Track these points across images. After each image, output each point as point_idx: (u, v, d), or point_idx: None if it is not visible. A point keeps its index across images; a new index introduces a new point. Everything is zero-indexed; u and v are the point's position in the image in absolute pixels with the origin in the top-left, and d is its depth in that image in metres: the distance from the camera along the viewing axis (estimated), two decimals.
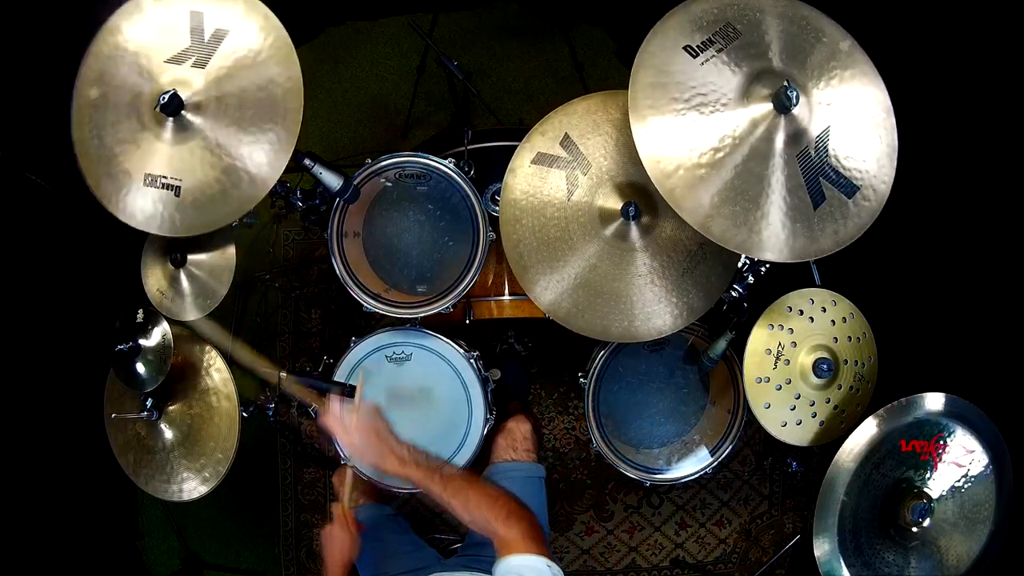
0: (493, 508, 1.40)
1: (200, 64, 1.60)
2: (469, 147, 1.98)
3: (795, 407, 1.80)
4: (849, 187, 1.53)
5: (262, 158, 1.60)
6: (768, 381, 1.78)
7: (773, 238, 1.49)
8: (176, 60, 1.61)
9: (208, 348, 1.92)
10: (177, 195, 1.61)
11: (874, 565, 1.68)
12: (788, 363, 1.79)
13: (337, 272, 1.93)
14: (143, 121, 1.61)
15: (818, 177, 1.51)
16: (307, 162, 1.68)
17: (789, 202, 1.49)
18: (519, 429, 2.05)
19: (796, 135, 1.49)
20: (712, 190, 1.48)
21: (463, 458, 1.97)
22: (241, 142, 1.59)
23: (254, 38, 1.60)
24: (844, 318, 1.81)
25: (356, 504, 1.99)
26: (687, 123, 1.48)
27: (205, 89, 1.60)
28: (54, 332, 2.36)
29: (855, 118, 1.54)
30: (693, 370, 2.07)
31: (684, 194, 1.48)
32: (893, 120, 1.56)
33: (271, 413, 2.12)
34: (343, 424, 1.61)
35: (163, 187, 1.61)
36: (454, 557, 1.93)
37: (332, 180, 1.70)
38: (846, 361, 1.81)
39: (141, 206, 1.62)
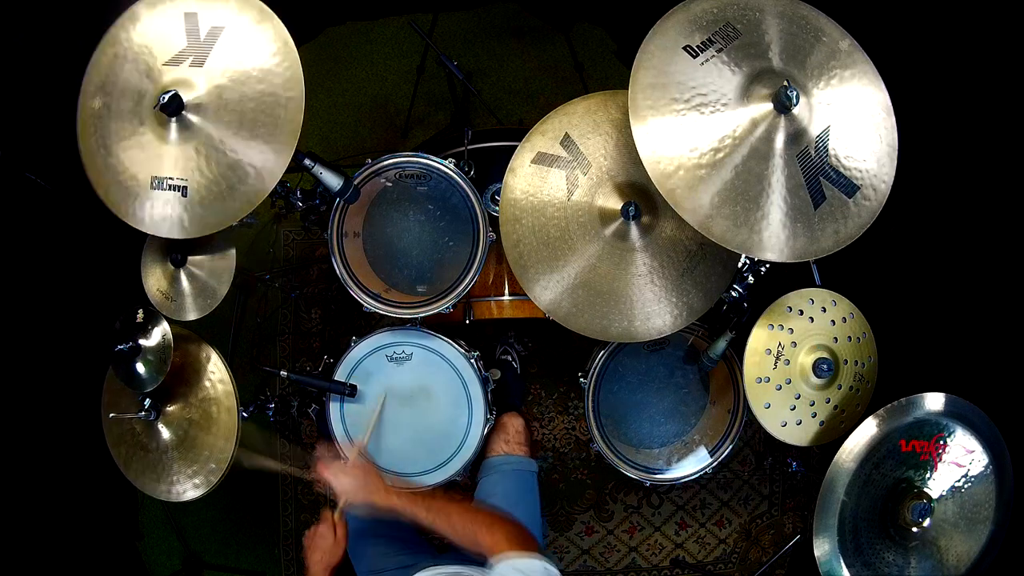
0: (475, 521, 1.47)
1: (198, 63, 1.60)
2: (469, 147, 1.98)
3: (795, 407, 1.80)
4: (849, 187, 1.53)
5: (266, 152, 1.60)
6: (768, 381, 1.78)
7: (773, 238, 1.49)
8: (174, 62, 1.61)
9: (210, 351, 1.92)
10: (184, 195, 1.61)
11: (874, 565, 1.67)
12: (788, 363, 1.79)
13: (337, 272, 1.93)
14: (146, 124, 1.61)
15: (818, 177, 1.51)
16: (307, 162, 1.67)
17: (789, 202, 1.49)
18: (512, 424, 2.07)
19: (796, 135, 1.49)
20: (712, 190, 1.48)
21: (463, 458, 1.97)
22: (244, 137, 1.59)
23: (251, 34, 1.60)
24: (844, 318, 1.81)
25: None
26: (687, 123, 1.48)
27: (205, 87, 1.59)
28: (54, 332, 2.36)
29: (855, 118, 1.54)
30: (693, 370, 2.07)
31: (684, 194, 1.48)
32: (893, 120, 1.56)
33: (271, 413, 2.13)
34: (333, 470, 1.65)
35: (170, 188, 1.61)
36: (449, 552, 1.93)
37: (332, 180, 1.70)
38: (846, 361, 1.81)
39: (149, 210, 1.63)
